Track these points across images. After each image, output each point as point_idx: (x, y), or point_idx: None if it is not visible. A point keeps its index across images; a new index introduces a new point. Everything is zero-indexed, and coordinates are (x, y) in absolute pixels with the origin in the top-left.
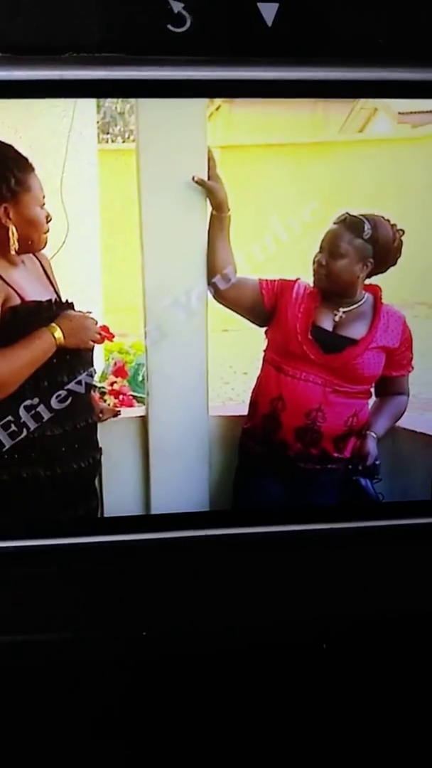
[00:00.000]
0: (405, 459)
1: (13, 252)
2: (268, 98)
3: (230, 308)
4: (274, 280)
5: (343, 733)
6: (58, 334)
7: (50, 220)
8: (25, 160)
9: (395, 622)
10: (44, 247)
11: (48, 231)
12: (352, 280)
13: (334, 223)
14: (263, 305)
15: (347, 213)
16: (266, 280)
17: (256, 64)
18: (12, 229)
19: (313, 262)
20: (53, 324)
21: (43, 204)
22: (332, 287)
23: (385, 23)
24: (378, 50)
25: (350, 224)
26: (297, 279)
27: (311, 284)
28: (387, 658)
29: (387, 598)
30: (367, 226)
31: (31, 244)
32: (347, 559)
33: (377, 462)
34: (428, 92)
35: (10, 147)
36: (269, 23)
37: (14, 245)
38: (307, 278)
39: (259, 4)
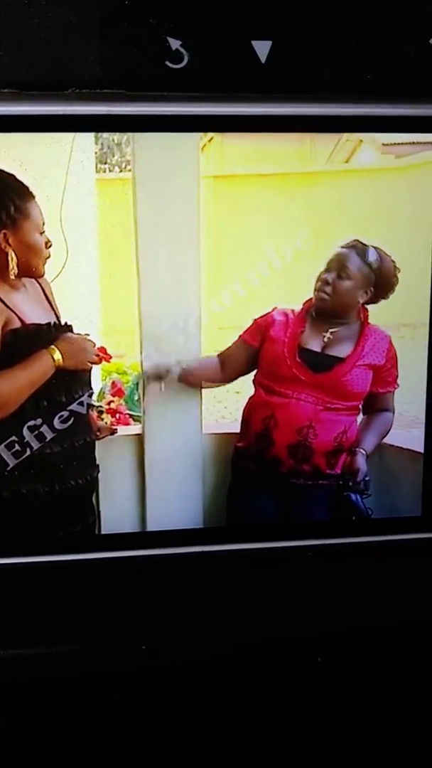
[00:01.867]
0: (392, 475)
1: (12, 276)
2: (261, 132)
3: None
4: (251, 325)
5: (338, 744)
6: (57, 356)
7: (50, 246)
8: (26, 188)
9: (387, 634)
10: (43, 273)
11: (48, 257)
12: (351, 304)
13: (344, 247)
14: (254, 349)
15: (357, 240)
16: (245, 332)
17: (250, 100)
18: (11, 254)
19: (317, 280)
20: (52, 346)
21: (43, 231)
22: (332, 307)
23: (373, 60)
24: (366, 86)
25: (360, 251)
26: (273, 309)
27: (290, 308)
28: (379, 671)
29: (379, 612)
30: (374, 255)
31: (31, 270)
32: (340, 574)
33: (367, 478)
34: (413, 126)
35: (11, 176)
36: (263, 60)
37: (14, 270)
38: (293, 304)
39: (253, 42)
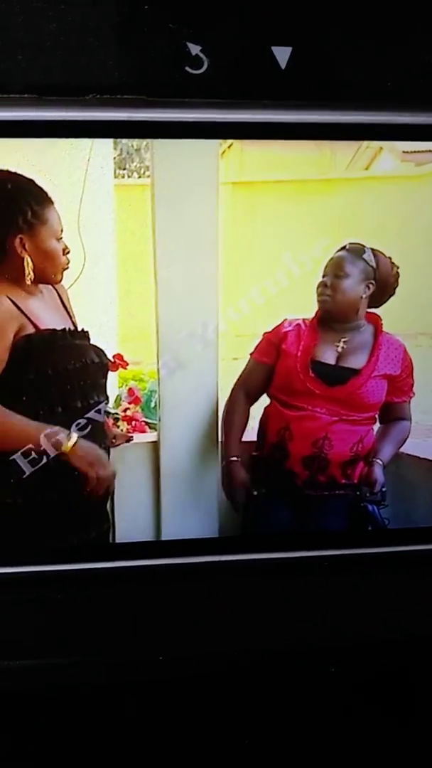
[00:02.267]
0: (409, 484)
1: (29, 282)
2: (281, 139)
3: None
4: (261, 342)
5: (351, 755)
6: (70, 444)
7: (68, 252)
8: (44, 193)
9: (403, 645)
10: (61, 279)
11: (67, 264)
12: (355, 300)
13: (338, 251)
14: (269, 367)
15: (348, 243)
16: (256, 350)
17: (270, 107)
18: (27, 259)
19: (318, 287)
20: (74, 434)
21: (60, 237)
22: (336, 308)
23: (394, 67)
24: (387, 93)
25: (351, 249)
26: (283, 321)
27: (301, 318)
28: (395, 683)
29: (395, 623)
30: (367, 251)
31: (47, 276)
32: (356, 585)
33: (384, 489)
34: None
35: (30, 181)
36: (283, 66)
37: (29, 275)
38: (310, 313)
39: (273, 48)
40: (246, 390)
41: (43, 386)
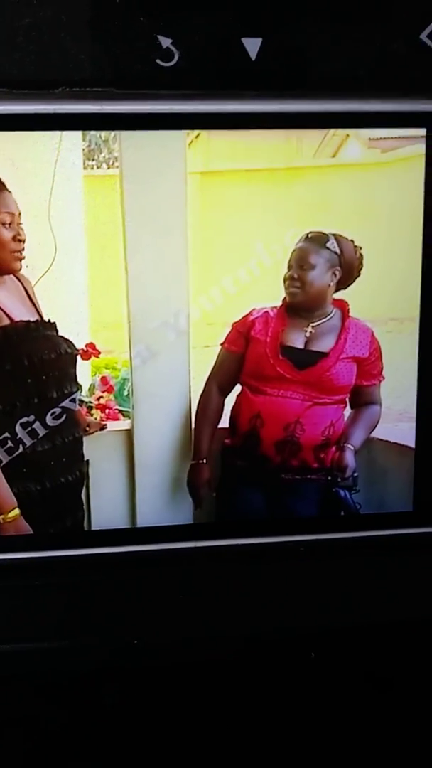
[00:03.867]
0: (380, 469)
1: None
2: (252, 129)
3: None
4: (230, 332)
5: (332, 740)
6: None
7: (20, 239)
8: None
9: (378, 629)
10: (17, 269)
11: (20, 251)
12: (323, 290)
13: (301, 241)
14: (240, 355)
15: (310, 231)
16: (226, 340)
17: (241, 98)
18: None
19: (285, 279)
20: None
21: (8, 222)
22: (305, 300)
23: (362, 56)
24: (356, 83)
25: (314, 238)
26: (251, 310)
27: (269, 306)
28: (370, 665)
29: (371, 607)
30: (329, 239)
31: None
32: (331, 570)
33: (355, 474)
34: (399, 122)
35: None
36: (253, 57)
37: None
38: (279, 300)
39: (243, 39)
40: (219, 382)
41: (19, 377)
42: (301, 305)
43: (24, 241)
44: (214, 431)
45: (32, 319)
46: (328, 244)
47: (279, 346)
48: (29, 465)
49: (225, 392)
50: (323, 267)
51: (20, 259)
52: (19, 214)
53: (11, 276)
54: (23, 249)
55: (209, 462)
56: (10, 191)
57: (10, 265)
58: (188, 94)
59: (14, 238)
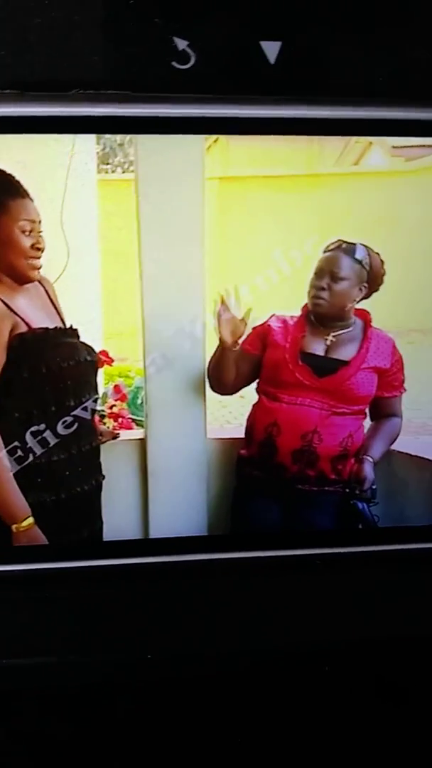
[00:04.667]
0: (400, 482)
1: None
2: (270, 135)
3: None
4: (250, 334)
5: (345, 753)
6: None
7: (39, 248)
8: (16, 184)
9: (395, 644)
10: (32, 280)
11: (38, 259)
12: (348, 303)
13: (329, 250)
14: (256, 357)
15: (341, 240)
16: (245, 341)
17: (259, 102)
18: None
19: (311, 287)
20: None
21: (28, 230)
22: (331, 311)
23: (384, 62)
24: (377, 89)
25: (347, 250)
26: (271, 316)
27: (290, 314)
28: (387, 682)
29: (388, 622)
30: (363, 252)
31: (13, 270)
32: (348, 584)
33: (374, 486)
34: (423, 130)
35: (2, 172)
36: (272, 61)
37: None
38: (298, 308)
39: (262, 43)
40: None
41: (37, 385)
42: (324, 316)
43: (42, 250)
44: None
45: (52, 325)
46: (360, 257)
47: (299, 351)
48: (44, 474)
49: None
50: (353, 281)
51: (36, 268)
52: (40, 221)
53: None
54: (40, 257)
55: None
56: (32, 199)
57: (26, 273)
58: (205, 97)
59: (33, 246)
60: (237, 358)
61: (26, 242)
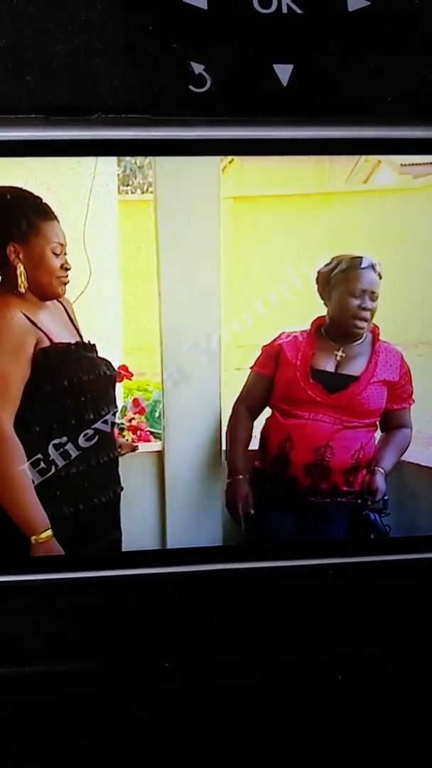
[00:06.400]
0: (411, 492)
1: (22, 290)
2: (282, 155)
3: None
4: (260, 355)
5: (357, 761)
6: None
7: (67, 268)
8: (44, 207)
9: (407, 653)
10: (60, 295)
11: (65, 278)
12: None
13: (360, 267)
14: (269, 378)
15: (371, 261)
16: (256, 363)
17: (272, 124)
18: (20, 268)
19: (353, 308)
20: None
21: (58, 252)
22: (366, 330)
23: (393, 83)
24: (386, 109)
25: (373, 266)
26: (280, 334)
27: (299, 330)
28: (398, 691)
29: (400, 631)
30: (379, 267)
31: (43, 289)
32: (360, 593)
33: (386, 497)
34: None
35: (30, 194)
36: (284, 83)
37: (23, 284)
38: (304, 325)
39: (275, 66)
40: (248, 405)
41: (58, 398)
42: (359, 336)
43: (69, 269)
44: (246, 451)
45: (73, 341)
46: (379, 271)
47: (310, 369)
48: (64, 486)
49: (254, 415)
50: (377, 298)
51: (64, 284)
52: (65, 244)
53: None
54: (68, 276)
55: (245, 478)
56: (59, 221)
57: (56, 290)
58: (221, 120)
59: (62, 267)
60: (251, 383)
61: (56, 263)
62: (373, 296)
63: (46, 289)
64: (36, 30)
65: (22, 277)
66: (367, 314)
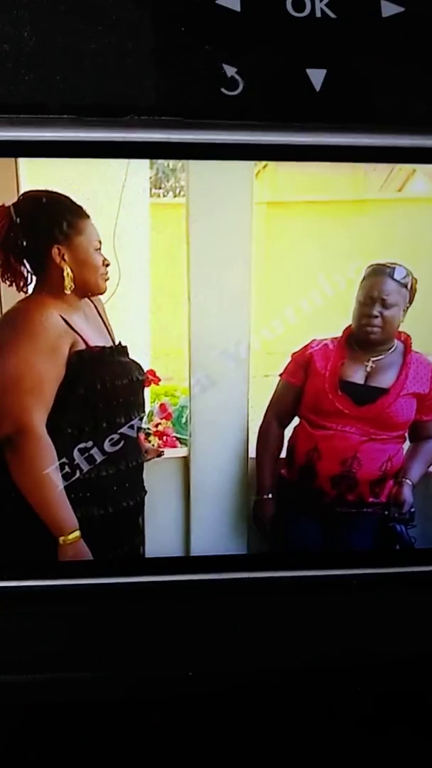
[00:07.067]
0: None
1: (68, 292)
2: (316, 161)
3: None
4: (289, 363)
5: None
6: (73, 536)
7: (107, 264)
8: (79, 207)
9: (430, 665)
10: (104, 291)
11: (107, 274)
12: (397, 327)
13: (376, 274)
14: (299, 387)
15: (383, 264)
16: (285, 372)
17: (305, 130)
18: (67, 270)
19: (362, 316)
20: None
21: (99, 248)
22: (383, 338)
23: (428, 90)
24: (421, 116)
25: (390, 273)
26: (311, 341)
27: (329, 338)
28: (424, 702)
29: (423, 642)
30: (404, 273)
31: (89, 286)
32: (384, 604)
33: (413, 509)
34: None
35: (64, 196)
36: (317, 88)
37: (70, 285)
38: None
39: (308, 70)
40: (277, 413)
41: (91, 402)
42: (375, 342)
43: (109, 265)
44: (276, 463)
45: (106, 344)
46: (404, 279)
47: (338, 380)
48: (93, 489)
49: (284, 424)
50: (401, 304)
51: (107, 280)
52: (101, 241)
53: (86, 300)
54: (108, 271)
55: (274, 496)
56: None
57: (102, 286)
58: (252, 124)
59: (103, 263)
60: (281, 392)
61: (99, 259)
62: (385, 303)
63: (93, 286)
64: (67, 30)
65: (69, 279)
66: (376, 321)
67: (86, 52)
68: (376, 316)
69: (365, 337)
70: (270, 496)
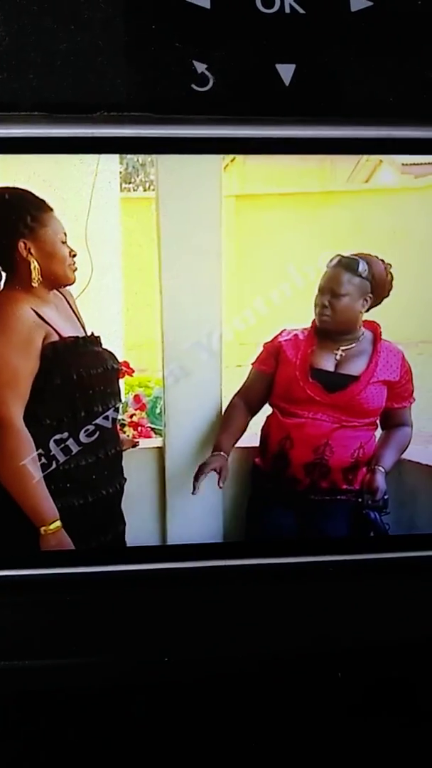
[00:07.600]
0: (411, 491)
1: (35, 285)
2: (284, 154)
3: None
4: (261, 352)
5: (355, 758)
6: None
7: (74, 255)
8: (42, 201)
9: (404, 651)
10: (73, 281)
11: (75, 265)
12: (354, 317)
13: (331, 265)
14: (269, 375)
15: (340, 255)
16: (257, 360)
17: (274, 123)
18: (34, 263)
19: (315, 305)
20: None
21: (64, 240)
22: (337, 326)
23: (395, 83)
24: (387, 109)
25: (346, 265)
26: (281, 331)
27: (300, 328)
28: (398, 688)
29: (399, 628)
30: (362, 265)
31: (57, 278)
32: (359, 590)
33: (386, 496)
34: None
35: (26, 191)
36: (287, 83)
37: (37, 278)
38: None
39: (277, 65)
40: (246, 399)
41: (67, 392)
42: (332, 331)
43: (76, 255)
44: (236, 436)
45: (80, 335)
46: (360, 270)
47: (309, 368)
48: (73, 478)
49: (252, 409)
50: (355, 295)
51: (74, 270)
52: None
53: (55, 292)
54: (75, 261)
55: (227, 454)
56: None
57: (70, 277)
58: (223, 119)
59: (70, 254)
60: (252, 379)
61: (65, 251)
62: (334, 293)
63: (61, 277)
64: (39, 28)
65: (36, 272)
66: (326, 310)
67: (58, 50)
68: (326, 306)
69: (321, 325)
70: (222, 453)
